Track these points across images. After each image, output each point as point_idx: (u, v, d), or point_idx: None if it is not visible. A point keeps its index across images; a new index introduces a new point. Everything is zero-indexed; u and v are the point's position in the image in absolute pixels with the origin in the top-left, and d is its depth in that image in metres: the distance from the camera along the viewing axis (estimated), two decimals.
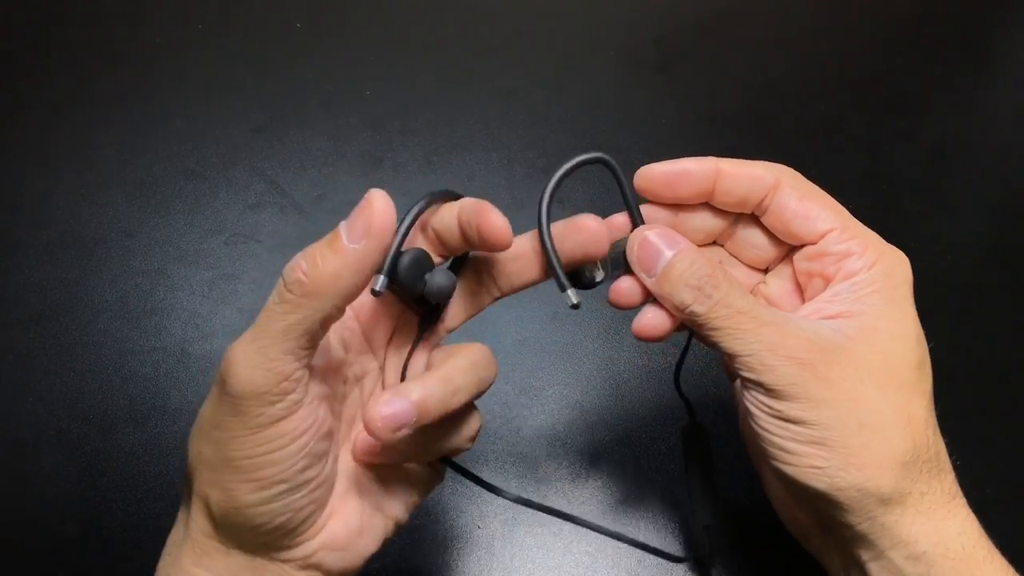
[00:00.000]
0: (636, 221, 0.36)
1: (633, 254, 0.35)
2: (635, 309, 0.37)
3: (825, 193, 0.36)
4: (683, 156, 0.37)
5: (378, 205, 0.30)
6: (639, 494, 0.49)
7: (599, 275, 0.36)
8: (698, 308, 0.33)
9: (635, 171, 0.36)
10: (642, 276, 0.35)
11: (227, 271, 0.58)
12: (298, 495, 0.32)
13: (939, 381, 0.54)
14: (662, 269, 0.34)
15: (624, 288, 0.36)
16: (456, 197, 0.34)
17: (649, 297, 0.36)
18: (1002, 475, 0.51)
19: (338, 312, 0.30)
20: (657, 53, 0.71)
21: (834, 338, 0.33)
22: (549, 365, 0.54)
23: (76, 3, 0.71)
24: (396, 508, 0.36)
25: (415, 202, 0.33)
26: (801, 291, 0.37)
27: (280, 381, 0.30)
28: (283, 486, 0.31)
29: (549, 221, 0.35)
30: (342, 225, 0.30)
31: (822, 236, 0.35)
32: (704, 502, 0.42)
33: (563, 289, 0.34)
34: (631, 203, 0.36)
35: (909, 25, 0.74)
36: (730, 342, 0.33)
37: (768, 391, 0.32)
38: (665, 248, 0.34)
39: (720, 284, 0.33)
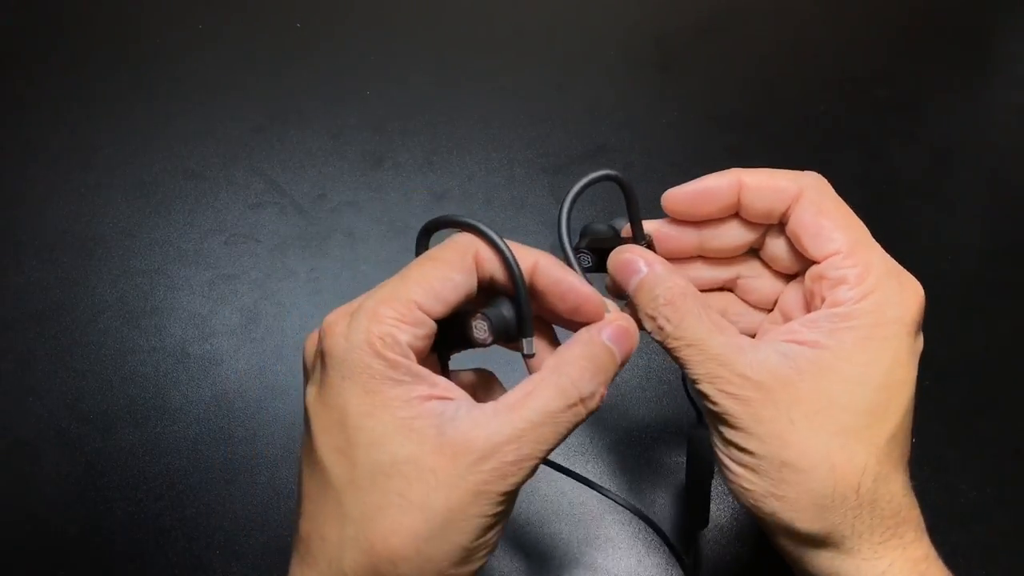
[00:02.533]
0: (637, 237, 0.37)
1: (611, 274, 0.36)
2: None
3: (847, 210, 0.35)
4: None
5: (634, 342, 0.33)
6: (639, 494, 0.49)
7: (586, 265, 0.36)
8: (656, 336, 0.34)
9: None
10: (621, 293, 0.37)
11: (227, 271, 0.58)
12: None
13: (939, 381, 0.54)
14: (631, 295, 0.35)
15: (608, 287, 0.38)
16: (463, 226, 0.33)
17: None
18: (1002, 475, 0.51)
19: None
20: (657, 53, 0.71)
21: (780, 371, 0.33)
22: None
23: (76, 3, 0.71)
24: None
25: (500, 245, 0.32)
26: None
27: None
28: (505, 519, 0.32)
29: (571, 243, 0.35)
30: (613, 345, 0.32)
31: (826, 257, 0.34)
32: (698, 506, 0.43)
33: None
34: (635, 220, 0.37)
35: (909, 25, 0.74)
36: (686, 367, 0.34)
37: (711, 413, 0.34)
38: (633, 273, 0.35)
39: (672, 316, 0.34)
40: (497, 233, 0.32)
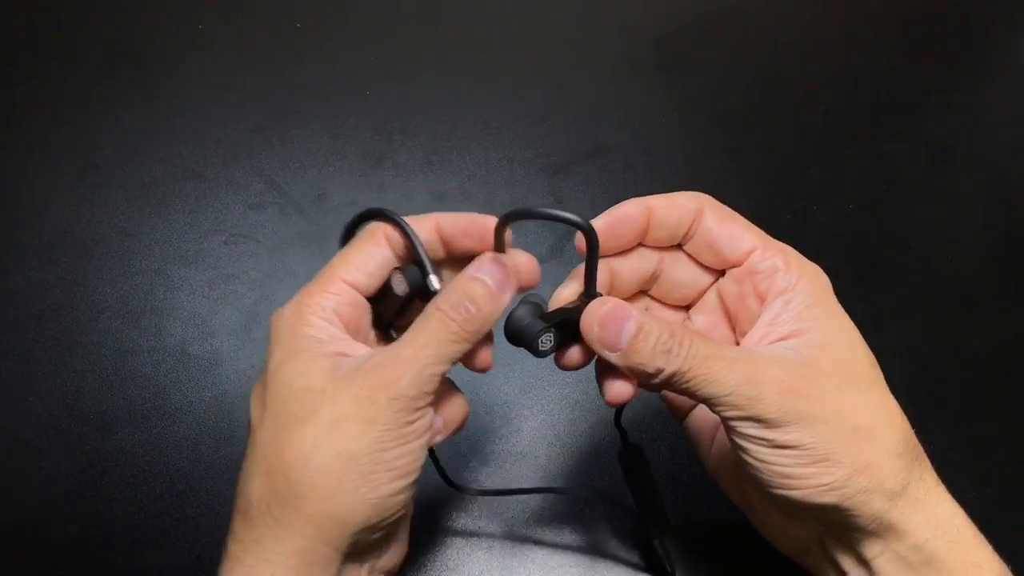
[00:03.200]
0: (591, 293, 0.36)
1: (593, 333, 0.35)
2: None
3: (741, 216, 0.37)
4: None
5: (528, 269, 0.36)
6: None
7: (549, 345, 0.35)
8: (671, 368, 0.33)
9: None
10: (604, 353, 0.35)
11: (227, 271, 0.58)
12: (415, 486, 0.34)
13: (939, 381, 0.54)
14: (627, 343, 0.34)
15: (574, 357, 0.37)
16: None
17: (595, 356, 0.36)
18: (1002, 475, 0.51)
19: None
20: (657, 53, 0.71)
21: (796, 357, 0.34)
22: (549, 365, 0.53)
23: (76, 3, 0.71)
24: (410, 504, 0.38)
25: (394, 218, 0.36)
26: (730, 319, 0.38)
27: (436, 387, 0.34)
28: (412, 476, 0.34)
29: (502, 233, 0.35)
30: (488, 279, 0.34)
31: (747, 255, 0.36)
32: (652, 517, 0.43)
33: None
34: (592, 275, 0.35)
35: (909, 25, 0.74)
36: (707, 388, 0.33)
37: (759, 422, 0.33)
38: (623, 322, 0.34)
39: (683, 339, 0.33)
40: (394, 212, 0.36)
